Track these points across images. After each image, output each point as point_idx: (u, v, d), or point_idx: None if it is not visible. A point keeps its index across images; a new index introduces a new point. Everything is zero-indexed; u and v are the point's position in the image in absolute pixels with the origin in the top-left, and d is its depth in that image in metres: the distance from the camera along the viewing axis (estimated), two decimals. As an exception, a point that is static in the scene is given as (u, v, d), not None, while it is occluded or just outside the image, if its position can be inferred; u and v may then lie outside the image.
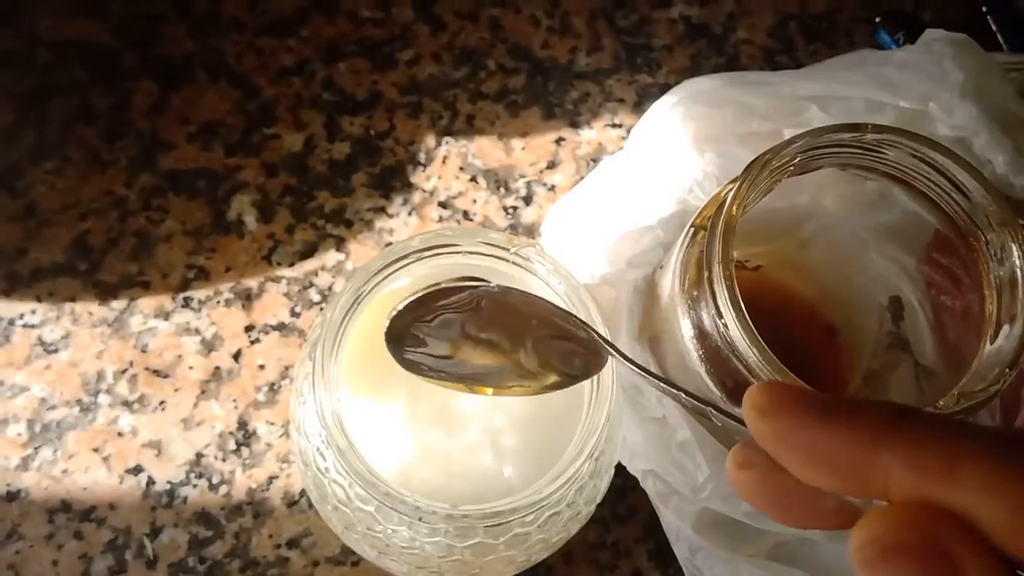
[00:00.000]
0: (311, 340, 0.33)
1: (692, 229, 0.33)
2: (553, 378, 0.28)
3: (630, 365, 0.26)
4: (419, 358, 0.28)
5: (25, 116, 0.48)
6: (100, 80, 0.48)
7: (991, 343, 0.29)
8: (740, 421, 0.21)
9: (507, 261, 0.31)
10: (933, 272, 0.36)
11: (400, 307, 0.28)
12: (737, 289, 0.28)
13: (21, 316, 0.44)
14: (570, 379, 0.29)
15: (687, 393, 0.25)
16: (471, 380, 0.29)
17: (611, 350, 0.27)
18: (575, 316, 0.28)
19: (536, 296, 0.29)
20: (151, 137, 0.48)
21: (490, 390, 0.29)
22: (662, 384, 0.26)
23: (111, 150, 0.47)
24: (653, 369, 0.35)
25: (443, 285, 0.28)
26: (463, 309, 0.28)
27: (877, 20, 0.52)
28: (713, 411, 0.24)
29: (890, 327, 0.38)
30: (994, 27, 0.53)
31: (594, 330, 0.27)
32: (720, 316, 0.28)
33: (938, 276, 0.35)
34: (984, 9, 0.53)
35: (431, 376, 0.29)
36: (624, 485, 0.40)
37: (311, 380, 0.29)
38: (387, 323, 0.28)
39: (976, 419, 0.33)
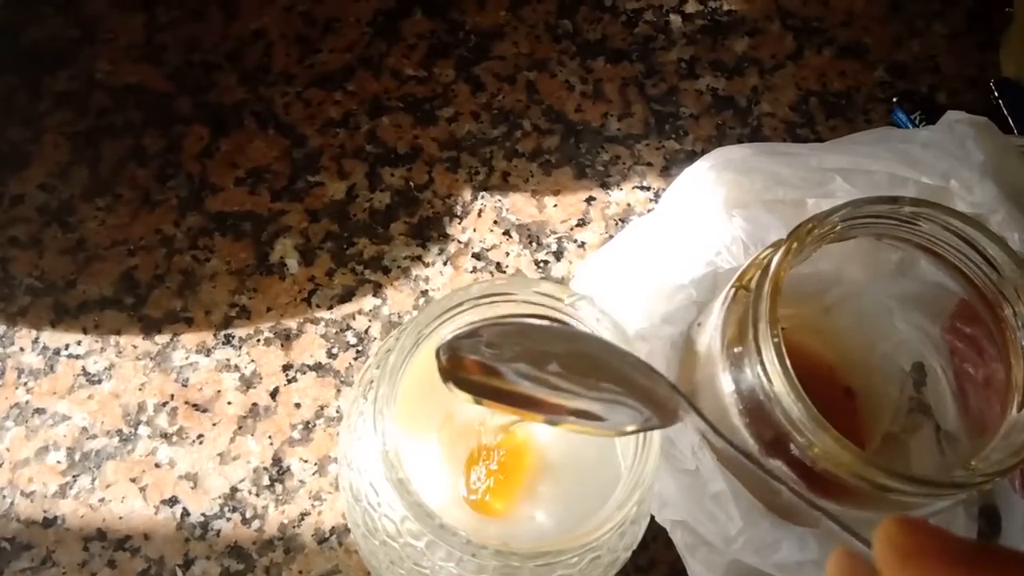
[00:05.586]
0: (365, 380, 0.34)
1: (733, 290, 0.34)
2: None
3: (708, 425, 0.27)
4: (482, 380, 0.29)
5: (80, 154, 0.49)
6: (153, 123, 0.51)
7: (1018, 410, 0.31)
8: (859, 539, 0.22)
9: (560, 312, 0.33)
10: (956, 340, 0.37)
11: (472, 327, 0.29)
12: (783, 347, 0.29)
13: (67, 346, 0.45)
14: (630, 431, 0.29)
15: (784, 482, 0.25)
16: (532, 409, 0.29)
17: (693, 409, 0.28)
18: (657, 372, 0.28)
19: (611, 344, 0.30)
20: (200, 179, 0.49)
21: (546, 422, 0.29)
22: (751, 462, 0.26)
23: (161, 190, 0.49)
24: (689, 422, 0.36)
25: (518, 320, 0.29)
26: (536, 344, 0.29)
27: (895, 100, 0.55)
28: (827, 519, 0.24)
29: (912, 392, 0.40)
30: (1005, 111, 0.55)
31: (676, 389, 0.28)
32: (765, 372, 0.30)
33: (961, 344, 0.37)
34: (995, 93, 0.56)
35: (491, 400, 0.29)
36: (644, 537, 0.41)
37: (371, 416, 0.31)
38: (454, 338, 0.29)
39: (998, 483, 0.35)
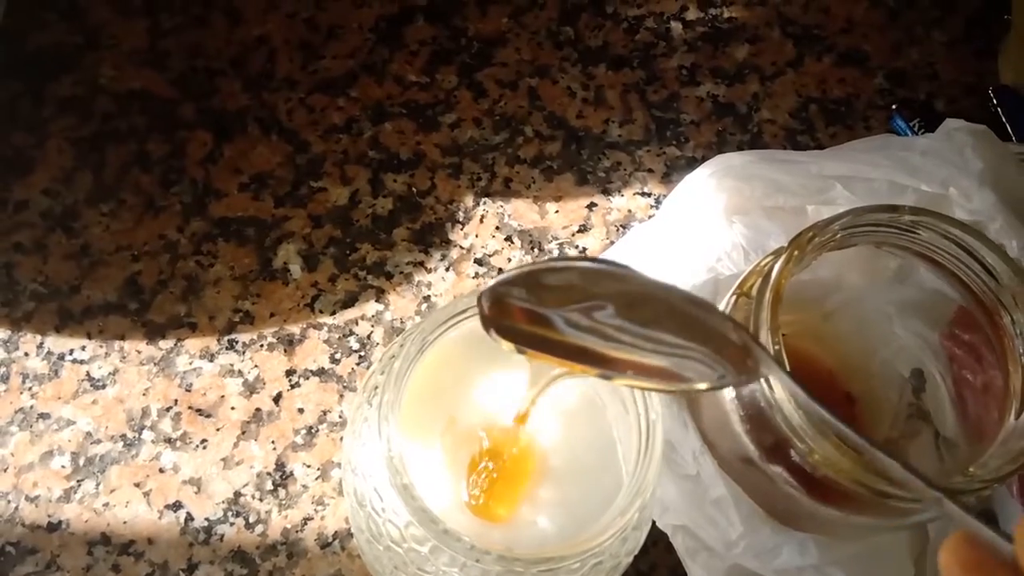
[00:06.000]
0: (369, 385, 0.35)
1: (735, 297, 0.35)
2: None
3: (795, 384, 0.25)
4: (528, 328, 0.26)
5: (84, 160, 0.50)
6: (157, 129, 0.51)
7: (1016, 417, 0.31)
8: (989, 524, 0.20)
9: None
10: (955, 347, 0.38)
11: (519, 271, 0.26)
12: (784, 354, 0.30)
13: (71, 351, 0.46)
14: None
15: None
16: (585, 362, 0.26)
17: (776, 364, 0.26)
18: (733, 319, 0.25)
19: (676, 287, 0.27)
20: (204, 185, 0.50)
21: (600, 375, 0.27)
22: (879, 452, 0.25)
23: (165, 196, 0.49)
24: (691, 428, 0.37)
25: (570, 262, 0.26)
26: (591, 288, 0.26)
27: (894, 107, 0.55)
28: (950, 501, 0.22)
29: (911, 398, 0.40)
30: (1003, 118, 0.56)
31: (756, 339, 0.25)
32: (767, 379, 0.30)
33: (960, 351, 0.37)
34: (994, 101, 0.56)
35: (537, 350, 0.26)
36: (645, 541, 0.41)
37: (375, 422, 0.31)
38: (498, 283, 0.26)
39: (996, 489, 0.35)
